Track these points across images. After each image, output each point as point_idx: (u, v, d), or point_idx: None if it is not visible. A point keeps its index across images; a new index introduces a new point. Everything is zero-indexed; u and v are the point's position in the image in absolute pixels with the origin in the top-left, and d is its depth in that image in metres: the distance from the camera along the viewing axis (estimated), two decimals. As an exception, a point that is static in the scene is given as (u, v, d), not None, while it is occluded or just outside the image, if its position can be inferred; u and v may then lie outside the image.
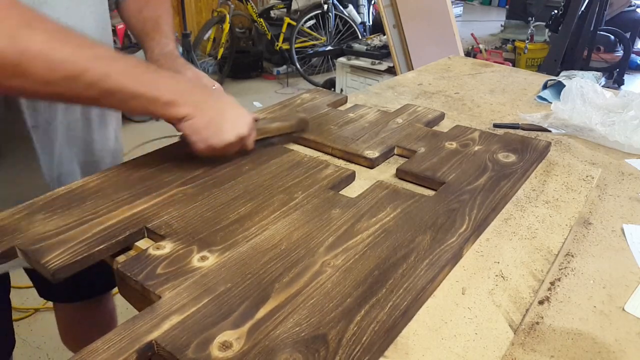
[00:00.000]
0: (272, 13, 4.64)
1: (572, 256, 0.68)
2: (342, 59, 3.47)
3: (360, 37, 4.22)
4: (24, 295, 1.88)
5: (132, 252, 0.64)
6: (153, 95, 0.67)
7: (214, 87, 0.87)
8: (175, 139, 0.84)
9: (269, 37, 4.37)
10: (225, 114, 0.74)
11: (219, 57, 4.24)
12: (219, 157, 0.78)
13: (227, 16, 4.06)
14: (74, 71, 0.60)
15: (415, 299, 0.54)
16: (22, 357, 1.67)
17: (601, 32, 3.94)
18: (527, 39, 4.16)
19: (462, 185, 0.76)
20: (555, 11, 3.38)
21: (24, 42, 0.57)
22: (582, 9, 3.25)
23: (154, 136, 2.93)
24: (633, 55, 4.42)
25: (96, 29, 0.83)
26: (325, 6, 4.33)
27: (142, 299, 0.56)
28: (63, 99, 0.67)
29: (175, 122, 0.71)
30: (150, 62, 0.87)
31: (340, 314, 0.51)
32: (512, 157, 0.84)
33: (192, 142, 0.73)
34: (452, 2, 3.26)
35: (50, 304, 1.84)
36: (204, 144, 0.73)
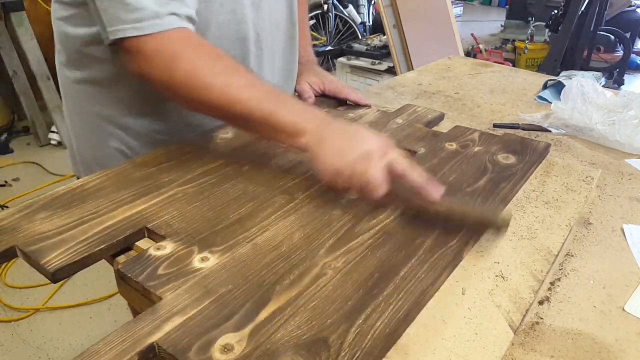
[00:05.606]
0: (272, 13, 4.63)
1: (572, 256, 0.68)
2: (342, 59, 3.47)
3: (360, 37, 4.21)
4: (24, 295, 1.88)
5: (132, 252, 0.64)
6: (277, 125, 0.68)
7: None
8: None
9: (269, 37, 4.36)
10: (349, 134, 0.67)
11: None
12: (347, 192, 0.69)
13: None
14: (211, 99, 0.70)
15: (416, 303, 0.54)
16: (22, 357, 1.67)
17: (601, 32, 3.94)
18: (527, 39, 4.16)
19: (462, 186, 0.76)
20: (555, 11, 3.38)
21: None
22: (582, 9, 3.25)
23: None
24: (633, 55, 4.42)
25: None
26: (325, 6, 4.32)
27: (143, 299, 0.56)
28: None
29: (301, 151, 0.70)
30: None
31: (341, 317, 0.51)
32: (512, 159, 0.84)
33: (318, 172, 0.68)
34: (452, 2, 3.26)
35: (50, 303, 1.85)
36: (328, 170, 0.67)
